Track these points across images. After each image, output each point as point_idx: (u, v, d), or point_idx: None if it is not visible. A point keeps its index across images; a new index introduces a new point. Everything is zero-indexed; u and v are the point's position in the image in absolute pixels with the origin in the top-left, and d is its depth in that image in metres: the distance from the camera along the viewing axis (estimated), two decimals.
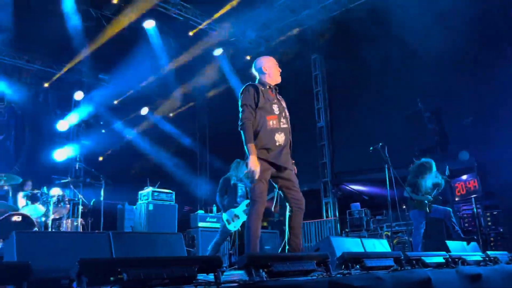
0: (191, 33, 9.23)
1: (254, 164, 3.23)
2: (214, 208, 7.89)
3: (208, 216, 7.68)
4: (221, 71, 10.12)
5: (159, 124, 10.69)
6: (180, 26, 9.05)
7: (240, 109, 3.37)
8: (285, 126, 3.45)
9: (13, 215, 6.09)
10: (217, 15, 8.88)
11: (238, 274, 3.21)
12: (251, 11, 8.63)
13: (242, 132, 3.31)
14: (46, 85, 9.23)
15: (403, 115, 8.33)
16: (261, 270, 2.43)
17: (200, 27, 9.12)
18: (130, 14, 8.24)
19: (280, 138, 3.37)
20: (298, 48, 9.41)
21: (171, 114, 10.92)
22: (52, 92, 9.44)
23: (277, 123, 3.39)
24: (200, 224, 7.46)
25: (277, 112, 3.42)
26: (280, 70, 3.64)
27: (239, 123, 3.33)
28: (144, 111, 10.86)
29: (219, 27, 9.33)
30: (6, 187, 6.77)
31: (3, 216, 6.01)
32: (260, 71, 3.58)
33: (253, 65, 3.65)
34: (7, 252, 2.60)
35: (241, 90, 3.44)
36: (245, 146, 3.29)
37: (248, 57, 10.02)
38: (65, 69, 9.25)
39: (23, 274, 1.92)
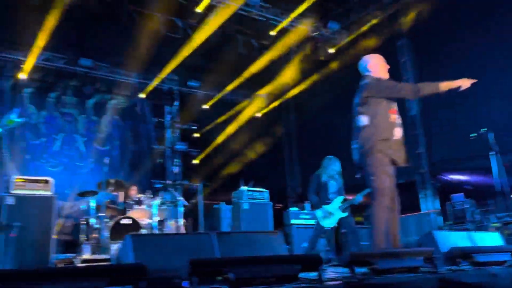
0: (273, 32, 9.32)
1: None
2: (307, 205, 7.87)
3: (301, 213, 7.69)
4: (305, 67, 10.09)
5: (247, 124, 10.93)
6: (261, 26, 9.19)
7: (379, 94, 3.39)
8: (400, 121, 3.49)
9: (123, 218, 6.63)
10: (297, 12, 8.86)
11: (339, 272, 3.18)
12: (331, 2, 8.49)
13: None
14: (142, 95, 9.88)
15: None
16: (365, 268, 2.38)
17: (282, 25, 9.17)
18: (214, 21, 8.53)
19: (398, 133, 3.41)
20: (383, 35, 9.06)
21: (259, 114, 11.10)
22: (148, 102, 10.10)
23: (398, 117, 3.46)
24: (293, 221, 7.50)
25: (396, 107, 3.47)
26: (389, 67, 3.60)
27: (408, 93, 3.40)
28: (232, 112, 11.16)
29: (300, 23, 9.30)
30: (115, 193, 7.37)
31: (115, 220, 6.57)
32: (366, 69, 3.59)
33: (358, 64, 3.66)
34: (123, 254, 2.85)
35: (368, 81, 3.44)
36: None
37: (332, 50, 9.86)
38: (157, 80, 9.84)
39: (140, 274, 2.08)
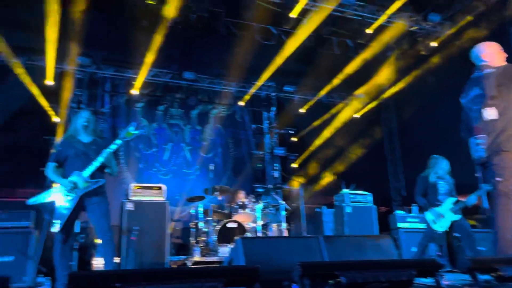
0: (369, 30, 9.07)
1: None
2: (415, 208, 7.50)
3: (408, 216, 7.35)
4: (404, 63, 9.66)
5: (345, 126, 10.74)
6: (356, 25, 9.00)
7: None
8: None
9: (229, 222, 6.90)
10: (394, 7, 8.53)
11: (457, 279, 2.98)
12: None
13: None
14: (241, 103, 10.22)
15: None
16: (488, 275, 2.21)
17: (378, 22, 8.89)
18: (308, 25, 8.56)
19: None
20: (493, 22, 8.33)
21: (357, 115, 10.86)
22: (247, 109, 10.41)
23: None
24: (400, 225, 7.19)
25: None
26: (506, 55, 3.26)
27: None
28: (329, 115, 11.04)
29: (398, 18, 8.94)
30: (220, 197, 7.70)
31: (221, 223, 6.86)
32: (480, 59, 3.29)
33: (471, 55, 3.38)
34: (235, 256, 2.98)
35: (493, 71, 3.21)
36: None
37: (434, 43, 9.32)
38: (255, 87, 10.11)
39: (254, 276, 2.16)
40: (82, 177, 4.08)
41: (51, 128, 8.18)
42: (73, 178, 4.09)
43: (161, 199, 6.53)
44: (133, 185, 6.63)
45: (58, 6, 7.18)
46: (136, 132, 4.29)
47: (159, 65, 9.21)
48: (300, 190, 7.36)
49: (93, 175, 4.14)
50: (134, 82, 9.13)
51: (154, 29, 8.07)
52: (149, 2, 7.69)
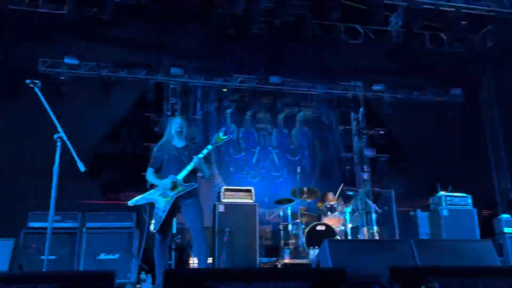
0: (464, 22, 8.48)
1: None
2: None
3: None
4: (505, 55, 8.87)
5: (439, 124, 10.12)
6: (450, 18, 8.46)
7: None
8: None
9: (318, 224, 6.87)
10: None
11: None
12: None
13: None
14: (327, 105, 10.12)
15: None
16: None
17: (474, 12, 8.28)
18: (397, 20, 8.23)
19: None
20: None
21: (452, 112, 10.17)
22: (333, 111, 10.26)
23: None
24: (507, 230, 6.62)
25: None
26: None
27: None
28: (419, 113, 10.50)
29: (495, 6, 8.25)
30: (308, 200, 7.70)
31: (310, 226, 6.86)
32: None
33: None
34: (322, 258, 2.97)
35: None
36: None
37: None
38: (342, 88, 9.95)
39: (340, 278, 2.14)
40: (177, 180, 4.35)
41: (150, 136, 8.77)
42: (170, 180, 4.37)
43: (251, 201, 6.71)
44: (224, 188, 6.90)
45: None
46: (225, 137, 4.49)
47: (246, 71, 9.46)
48: (392, 193, 7.10)
49: (186, 179, 4.39)
50: (223, 89, 9.48)
51: (240, 36, 8.32)
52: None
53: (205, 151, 4.41)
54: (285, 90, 9.82)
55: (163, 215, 4.32)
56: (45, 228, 3.42)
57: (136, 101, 8.89)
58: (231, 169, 9.41)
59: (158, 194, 4.37)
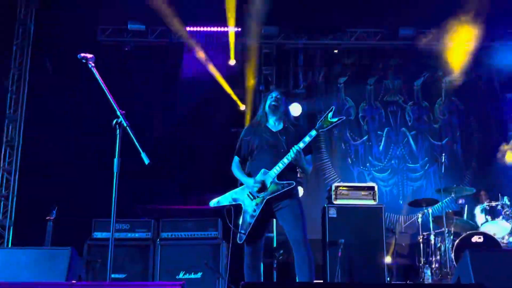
0: None
1: None
2: None
3: None
4: None
5: None
6: None
7: None
8: None
9: (474, 234, 6.65)
10: None
11: None
12: None
13: None
14: (487, 64, 9.64)
15: None
16: None
17: None
18: None
19: None
20: None
21: None
22: (496, 71, 9.72)
23: None
24: None
25: None
26: None
27: None
28: None
29: None
30: (460, 201, 7.47)
31: (462, 237, 6.66)
32: None
33: None
34: (463, 273, 2.90)
35: None
36: None
37: None
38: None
39: None
40: (269, 176, 4.43)
41: (239, 119, 9.11)
42: (260, 177, 4.47)
43: (374, 202, 6.69)
44: (337, 186, 6.97)
45: None
46: (336, 119, 4.45)
47: (366, 23, 9.38)
48: None
49: (282, 175, 4.45)
50: (335, 50, 9.53)
51: None
52: None
53: (306, 139, 4.38)
54: (423, 47, 9.55)
55: (252, 221, 4.41)
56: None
57: (218, 75, 9.27)
58: (348, 160, 9.43)
59: (247, 193, 4.49)
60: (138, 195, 8.24)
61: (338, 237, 6.34)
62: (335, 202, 6.74)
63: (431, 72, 9.80)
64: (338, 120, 4.48)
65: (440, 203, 7.44)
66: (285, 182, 4.42)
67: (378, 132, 9.61)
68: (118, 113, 3.90)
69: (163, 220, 6.67)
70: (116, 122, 3.88)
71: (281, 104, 4.67)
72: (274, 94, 4.72)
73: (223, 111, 9.29)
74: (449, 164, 8.41)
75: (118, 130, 3.89)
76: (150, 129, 8.54)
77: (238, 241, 4.49)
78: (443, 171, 7.31)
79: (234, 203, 4.57)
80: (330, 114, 4.45)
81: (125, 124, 3.89)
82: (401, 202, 8.75)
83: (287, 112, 4.77)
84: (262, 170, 4.45)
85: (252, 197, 4.48)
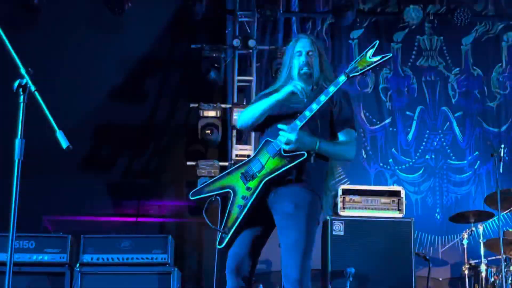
0: None
1: None
2: None
3: None
4: None
5: None
6: None
7: None
8: None
9: None
10: None
11: None
12: None
13: None
14: None
15: None
16: None
17: None
18: None
19: None
20: None
21: None
22: None
23: None
24: None
25: None
26: None
27: None
28: None
29: None
30: None
31: None
32: None
33: None
34: None
35: None
36: None
37: None
38: None
39: None
40: (274, 151, 4.19)
41: (203, 89, 9.11)
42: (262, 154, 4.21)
43: (400, 215, 6.76)
44: (345, 189, 7.02)
45: None
46: (377, 58, 4.19)
47: None
48: None
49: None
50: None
51: None
52: None
53: (331, 89, 4.17)
54: None
55: (241, 216, 4.13)
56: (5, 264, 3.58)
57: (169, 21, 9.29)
58: (362, 153, 9.38)
59: (239, 175, 4.22)
60: (48, 199, 8.15)
61: (346, 265, 6.35)
62: (342, 214, 6.79)
63: (488, 25, 9.88)
64: (381, 59, 4.22)
65: (495, 217, 7.47)
66: (292, 154, 4.07)
67: (407, 113, 9.60)
68: (23, 71, 3.86)
69: (86, 237, 6.67)
70: (20, 84, 3.84)
71: (315, 56, 4.50)
72: (304, 40, 4.55)
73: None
74: (510, 161, 8.51)
75: (22, 97, 3.86)
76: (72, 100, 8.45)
77: (217, 246, 4.26)
78: (501, 171, 7.37)
79: (221, 191, 4.37)
80: (370, 52, 4.23)
81: (32, 89, 3.85)
82: (438, 217, 8.79)
83: (325, 68, 4.58)
84: (268, 143, 4.20)
85: (245, 180, 4.22)
